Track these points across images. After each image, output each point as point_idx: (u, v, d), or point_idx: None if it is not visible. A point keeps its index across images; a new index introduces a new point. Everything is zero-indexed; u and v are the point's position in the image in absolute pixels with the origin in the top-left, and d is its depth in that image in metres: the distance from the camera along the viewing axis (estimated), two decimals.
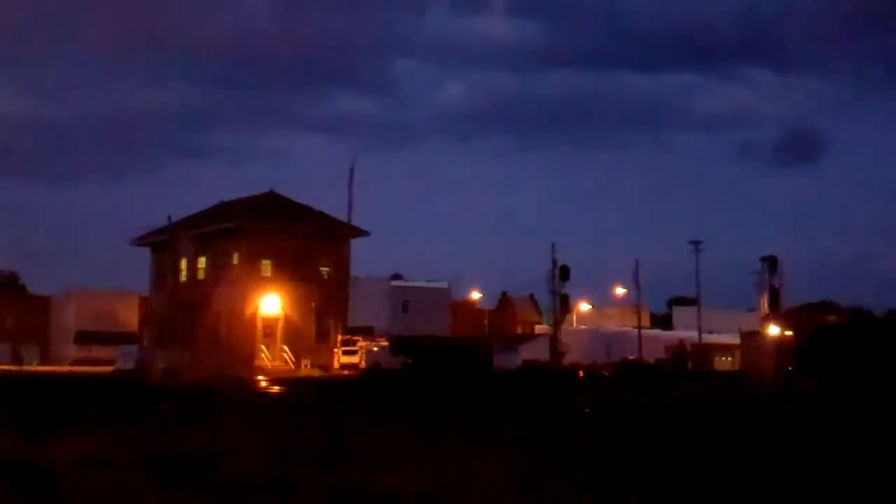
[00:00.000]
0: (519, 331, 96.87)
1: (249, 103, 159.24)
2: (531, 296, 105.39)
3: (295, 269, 60.01)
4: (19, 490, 9.30)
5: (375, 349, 55.23)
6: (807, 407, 23.87)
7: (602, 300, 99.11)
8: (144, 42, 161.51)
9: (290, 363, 56.66)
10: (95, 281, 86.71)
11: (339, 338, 58.86)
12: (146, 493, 9.13)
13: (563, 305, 67.15)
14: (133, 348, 55.73)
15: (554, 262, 64.26)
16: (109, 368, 50.36)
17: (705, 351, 76.71)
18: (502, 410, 21.52)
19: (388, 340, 56.05)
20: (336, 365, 56.37)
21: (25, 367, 60.15)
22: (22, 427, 14.44)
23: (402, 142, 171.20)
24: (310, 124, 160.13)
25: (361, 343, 57.25)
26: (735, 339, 73.08)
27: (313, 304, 60.15)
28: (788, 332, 60.64)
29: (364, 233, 65.06)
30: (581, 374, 52.75)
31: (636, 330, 77.79)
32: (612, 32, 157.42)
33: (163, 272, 65.09)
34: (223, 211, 65.17)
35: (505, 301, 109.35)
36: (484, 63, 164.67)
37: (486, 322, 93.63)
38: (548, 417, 18.97)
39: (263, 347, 58.47)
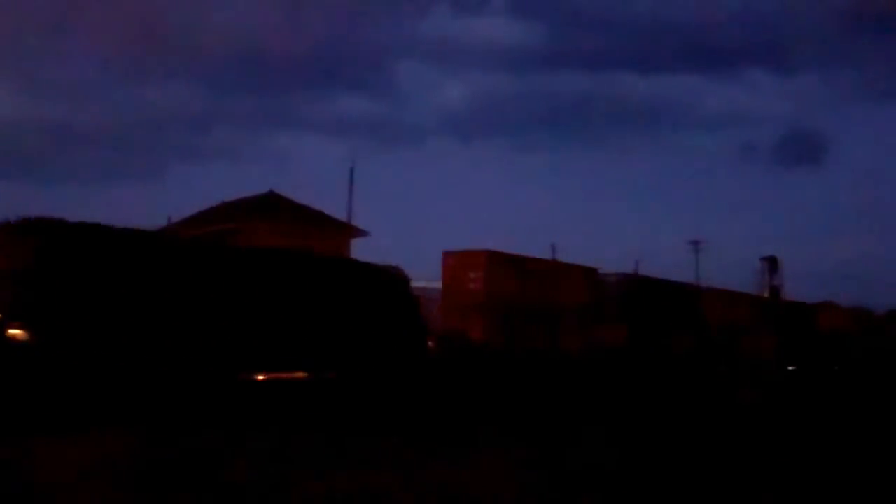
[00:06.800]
0: None
1: (249, 103, 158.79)
2: None
3: None
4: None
5: None
6: None
7: None
8: (144, 42, 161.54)
9: None
10: None
11: None
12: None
13: None
14: None
15: None
16: None
17: None
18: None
19: None
20: None
21: None
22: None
23: (403, 142, 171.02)
24: (310, 125, 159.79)
25: None
26: None
27: None
28: None
29: (364, 233, 64.94)
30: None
31: None
32: (613, 33, 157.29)
33: None
34: (223, 211, 64.90)
35: None
36: (484, 63, 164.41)
37: None
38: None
39: None
